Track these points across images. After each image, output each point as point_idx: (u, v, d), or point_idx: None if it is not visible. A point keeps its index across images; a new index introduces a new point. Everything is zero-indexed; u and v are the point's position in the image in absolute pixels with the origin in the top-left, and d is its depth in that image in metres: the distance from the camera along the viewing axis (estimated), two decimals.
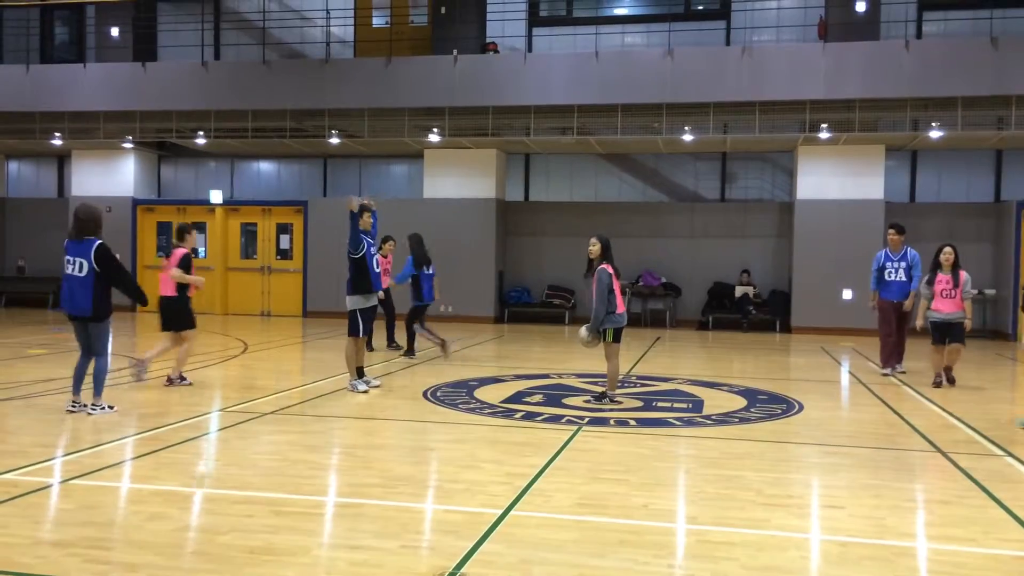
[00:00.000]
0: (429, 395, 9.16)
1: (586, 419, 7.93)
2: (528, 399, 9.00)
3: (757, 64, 15.38)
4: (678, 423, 7.93)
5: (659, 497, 5.55)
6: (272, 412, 8.05)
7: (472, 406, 8.56)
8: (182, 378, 9.51)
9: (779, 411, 8.58)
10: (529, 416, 8.06)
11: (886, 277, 11.21)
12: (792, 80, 15.28)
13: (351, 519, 4.93)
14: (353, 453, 6.62)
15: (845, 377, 11.52)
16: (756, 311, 17.66)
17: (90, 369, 7.89)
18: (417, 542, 4.58)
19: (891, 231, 11.36)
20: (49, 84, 18.01)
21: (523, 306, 18.90)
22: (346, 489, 5.58)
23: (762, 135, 16.20)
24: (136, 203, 20.06)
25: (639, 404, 8.82)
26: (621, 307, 8.70)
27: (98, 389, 7.85)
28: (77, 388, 7.91)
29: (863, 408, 9.03)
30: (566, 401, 8.91)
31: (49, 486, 5.51)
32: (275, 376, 10.55)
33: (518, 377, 10.62)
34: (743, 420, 8.11)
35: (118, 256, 7.95)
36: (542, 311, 18.80)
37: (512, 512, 5.05)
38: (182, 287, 9.41)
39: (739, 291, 17.82)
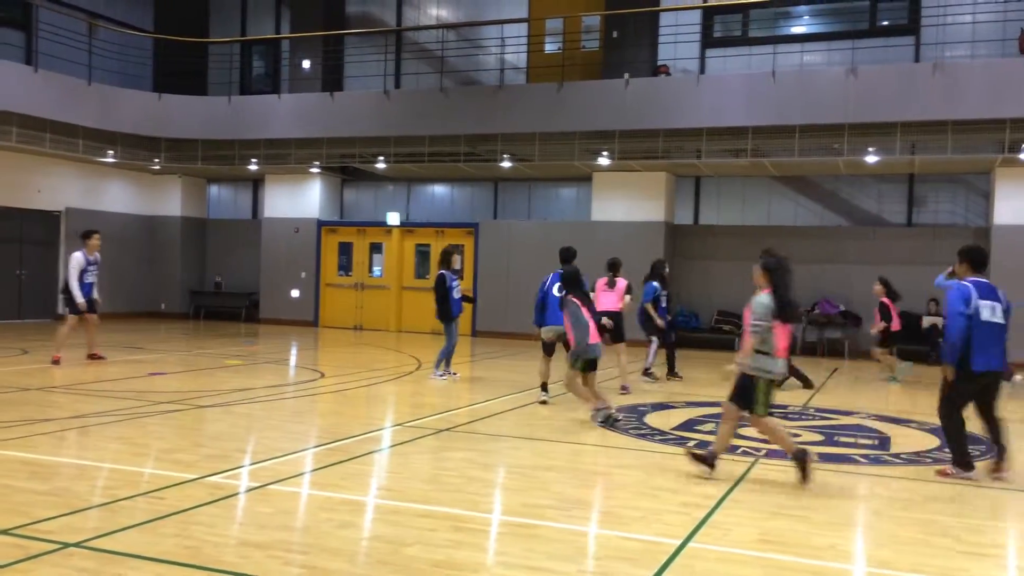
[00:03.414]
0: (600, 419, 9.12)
1: (763, 451, 7.67)
2: (700, 427, 8.81)
3: (950, 81, 14.50)
4: (863, 460, 7.51)
5: (845, 538, 5.29)
6: (446, 429, 8.28)
7: (643, 432, 8.47)
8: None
9: (977, 453, 7.95)
10: (702, 445, 7.87)
11: None
12: (990, 97, 14.30)
13: (527, 539, 4.98)
14: (526, 473, 6.70)
15: None
16: None
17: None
18: (594, 568, 4.57)
19: None
20: (247, 114, 19.50)
21: (691, 331, 18.53)
22: (521, 509, 5.65)
23: (955, 156, 15.21)
24: (321, 224, 21.29)
25: (819, 438, 8.43)
26: (778, 350, 6.49)
27: (436, 363, 11.89)
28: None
29: None
30: (740, 431, 8.63)
31: (248, 490, 5.91)
32: (446, 394, 10.86)
33: (689, 404, 10.42)
34: (937, 460, 7.58)
35: (454, 282, 11.75)
36: (711, 337, 18.36)
37: (690, 544, 4.95)
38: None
39: (927, 322, 16.70)
